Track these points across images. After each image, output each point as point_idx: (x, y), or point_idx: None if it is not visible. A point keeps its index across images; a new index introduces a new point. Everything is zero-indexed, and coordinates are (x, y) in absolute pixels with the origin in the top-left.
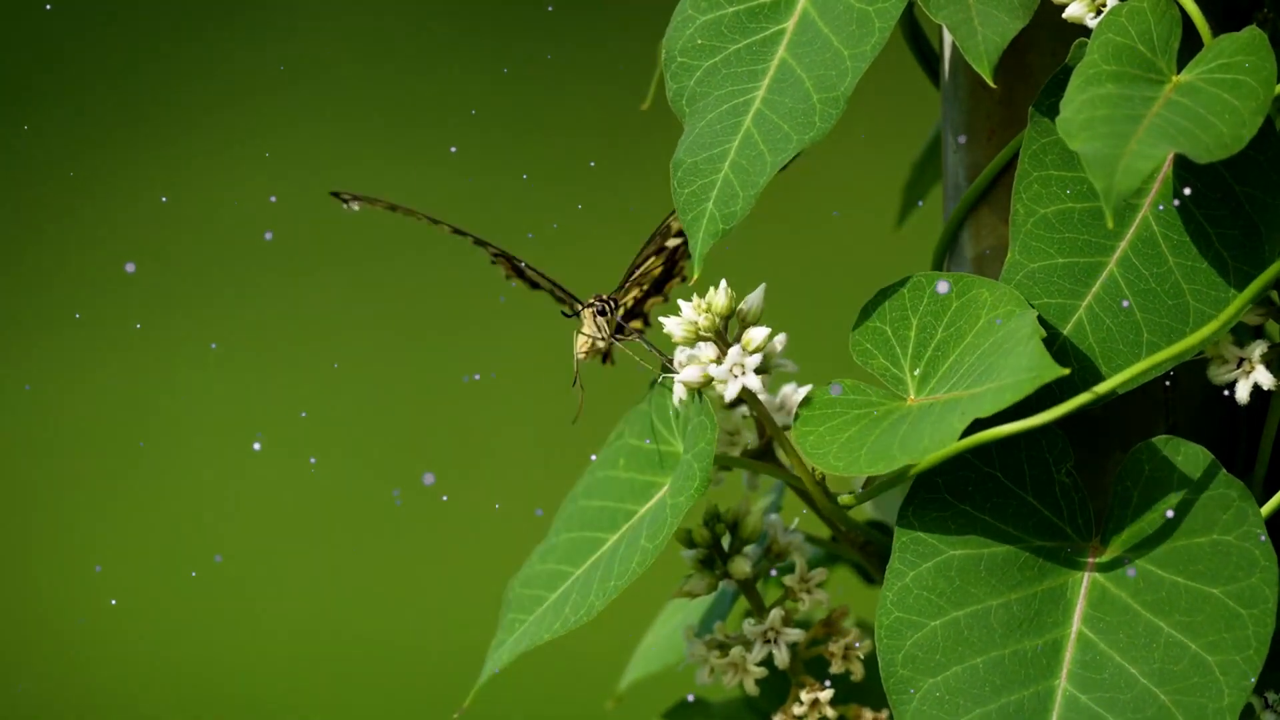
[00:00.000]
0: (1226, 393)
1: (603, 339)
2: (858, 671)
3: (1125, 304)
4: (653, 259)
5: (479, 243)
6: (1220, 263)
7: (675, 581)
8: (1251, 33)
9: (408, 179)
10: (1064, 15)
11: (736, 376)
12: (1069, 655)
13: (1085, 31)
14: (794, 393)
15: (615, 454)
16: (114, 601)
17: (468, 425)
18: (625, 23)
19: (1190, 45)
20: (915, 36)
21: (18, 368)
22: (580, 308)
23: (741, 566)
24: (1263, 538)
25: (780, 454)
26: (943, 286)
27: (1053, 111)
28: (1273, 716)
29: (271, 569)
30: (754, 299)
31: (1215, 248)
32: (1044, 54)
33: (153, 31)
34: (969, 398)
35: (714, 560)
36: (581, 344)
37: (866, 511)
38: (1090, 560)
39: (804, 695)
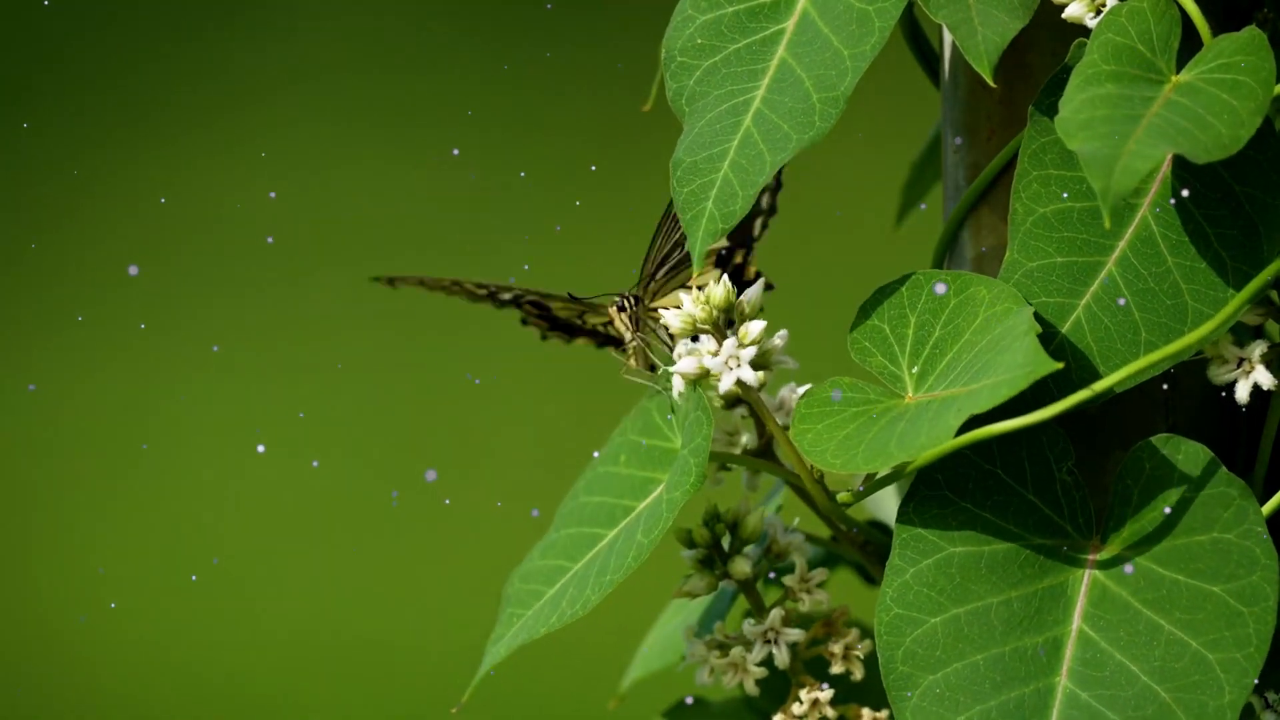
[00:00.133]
0: (1224, 394)
1: (630, 334)
2: (858, 671)
3: (1120, 301)
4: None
5: (514, 303)
6: (1219, 262)
7: (676, 581)
8: (1251, 33)
9: (409, 180)
10: (1064, 15)
11: (732, 369)
12: (1069, 653)
13: (1085, 31)
14: (792, 393)
15: (617, 450)
16: (113, 604)
17: (469, 426)
18: (625, 23)
19: (1190, 45)
20: (915, 36)
21: (20, 370)
22: (608, 306)
23: (741, 566)
24: (1264, 535)
25: (779, 453)
26: (940, 288)
27: (1052, 111)
28: (1273, 716)
29: (272, 569)
30: (752, 292)
31: (1214, 247)
32: (1044, 54)
33: (154, 33)
34: (965, 394)
35: (714, 560)
36: (630, 357)
37: (866, 511)
38: (1091, 558)
39: (804, 695)
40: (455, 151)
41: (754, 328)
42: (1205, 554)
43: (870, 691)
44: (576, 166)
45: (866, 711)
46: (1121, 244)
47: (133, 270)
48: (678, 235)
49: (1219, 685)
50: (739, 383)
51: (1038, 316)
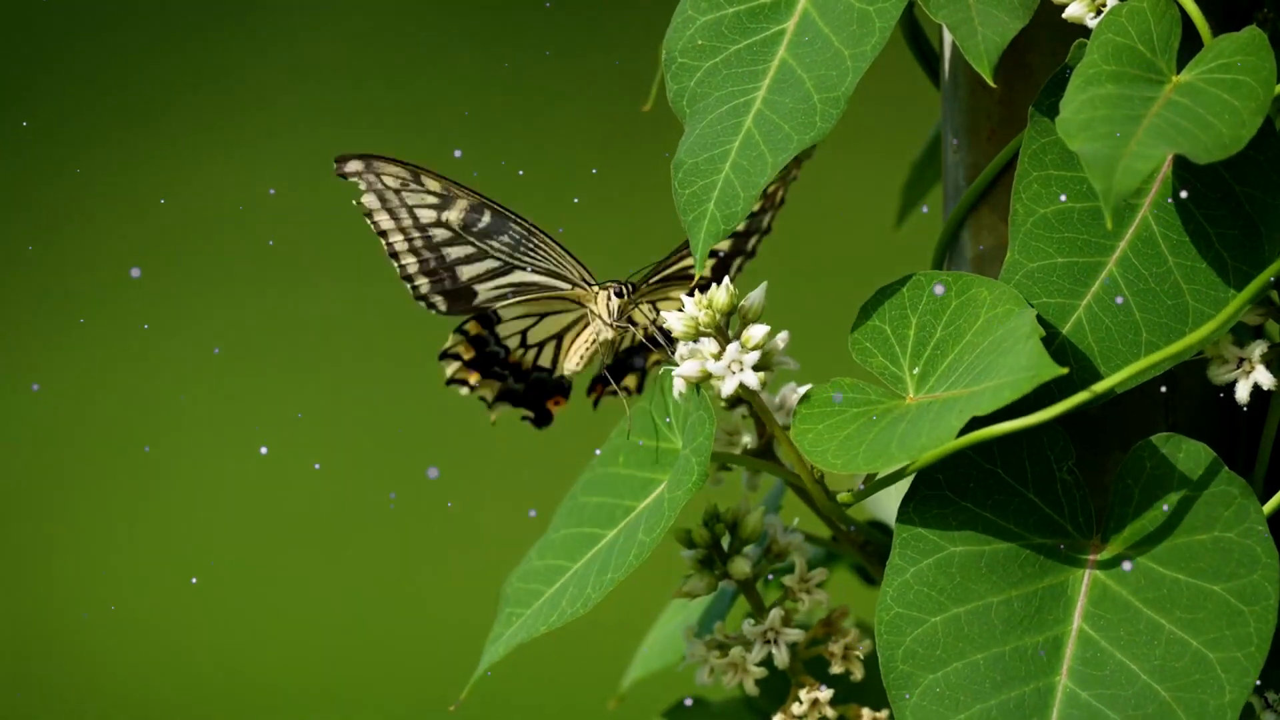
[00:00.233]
0: (1222, 395)
1: (610, 324)
2: (858, 671)
3: (1119, 300)
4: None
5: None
6: (1220, 263)
7: (676, 581)
8: (1251, 33)
9: None
10: (1064, 15)
11: (734, 372)
12: (1069, 652)
13: (1085, 31)
14: (793, 392)
15: (616, 451)
16: (114, 605)
17: (470, 426)
18: (626, 23)
19: (1190, 45)
20: (915, 36)
21: (22, 371)
22: (598, 285)
23: (741, 567)
24: (1265, 534)
25: (780, 452)
26: (939, 289)
27: (1052, 111)
28: (1273, 716)
29: (274, 570)
30: (755, 296)
31: (1215, 248)
32: (1044, 54)
33: (155, 36)
34: (967, 396)
35: (714, 560)
36: (586, 335)
37: (866, 511)
38: (1091, 558)
39: (804, 695)
40: (457, 154)
41: (757, 332)
42: (1206, 553)
43: (870, 691)
44: (577, 167)
45: (866, 711)
46: (1122, 244)
47: (135, 273)
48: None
49: (1219, 684)
50: (742, 386)
51: (1039, 318)
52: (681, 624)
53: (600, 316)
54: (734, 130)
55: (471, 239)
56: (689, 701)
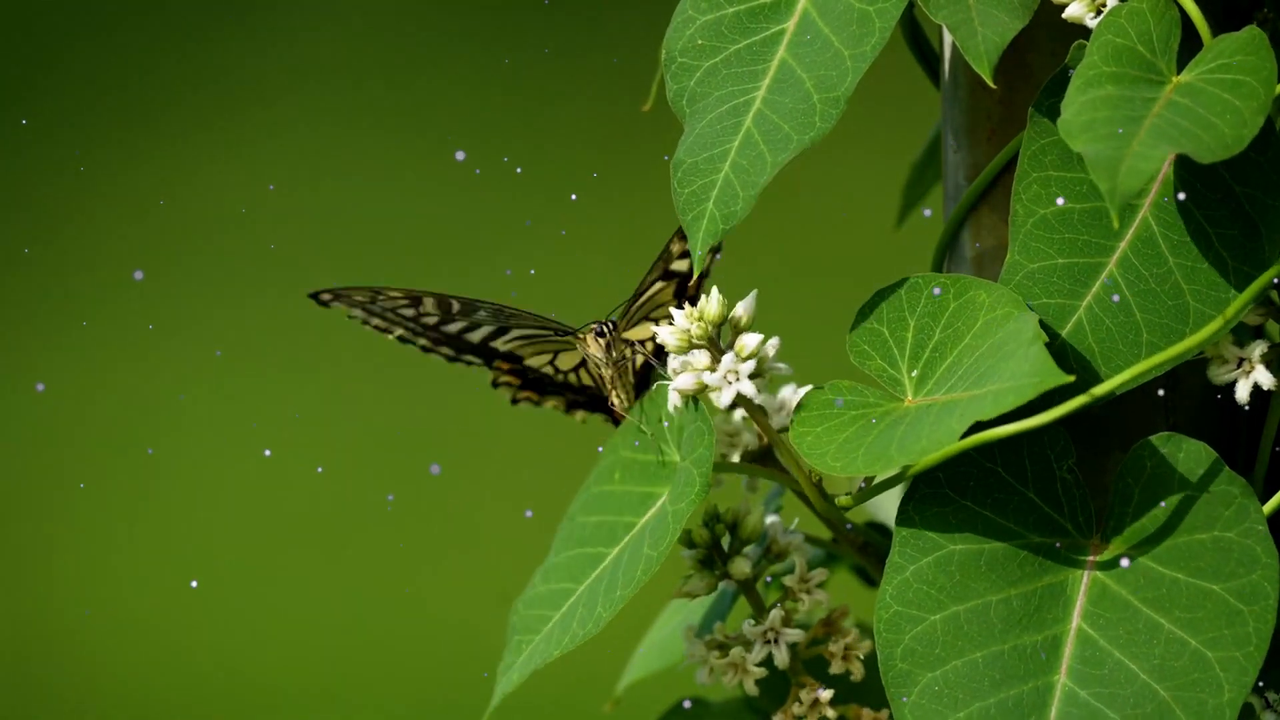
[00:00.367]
0: (1220, 396)
1: (605, 362)
2: (857, 672)
3: (1116, 298)
4: (660, 284)
5: (484, 358)
6: (1220, 263)
7: (675, 582)
8: (1251, 33)
9: (410, 182)
10: (1064, 15)
11: (731, 383)
12: (1068, 651)
13: (1085, 32)
14: (794, 394)
15: (610, 469)
16: (117, 605)
17: (471, 427)
18: (626, 22)
19: (1190, 45)
20: (915, 36)
21: (25, 372)
22: (578, 333)
23: (741, 567)
24: (1265, 534)
25: (779, 455)
26: (936, 292)
27: (1052, 112)
28: (1273, 716)
29: (274, 571)
30: (745, 305)
31: (1215, 248)
32: (1044, 54)
33: (155, 36)
34: (968, 399)
35: (714, 560)
36: (610, 390)
37: (866, 512)
38: (1091, 557)
39: (804, 695)
40: (460, 156)
41: (750, 341)
42: (1206, 552)
43: (870, 691)
44: (577, 167)
45: (866, 711)
46: (1122, 245)
47: (138, 275)
48: (655, 274)
49: (1218, 684)
50: (740, 396)
51: (1040, 320)
52: (681, 624)
53: (595, 358)
54: (734, 130)
55: (456, 318)
56: (688, 704)
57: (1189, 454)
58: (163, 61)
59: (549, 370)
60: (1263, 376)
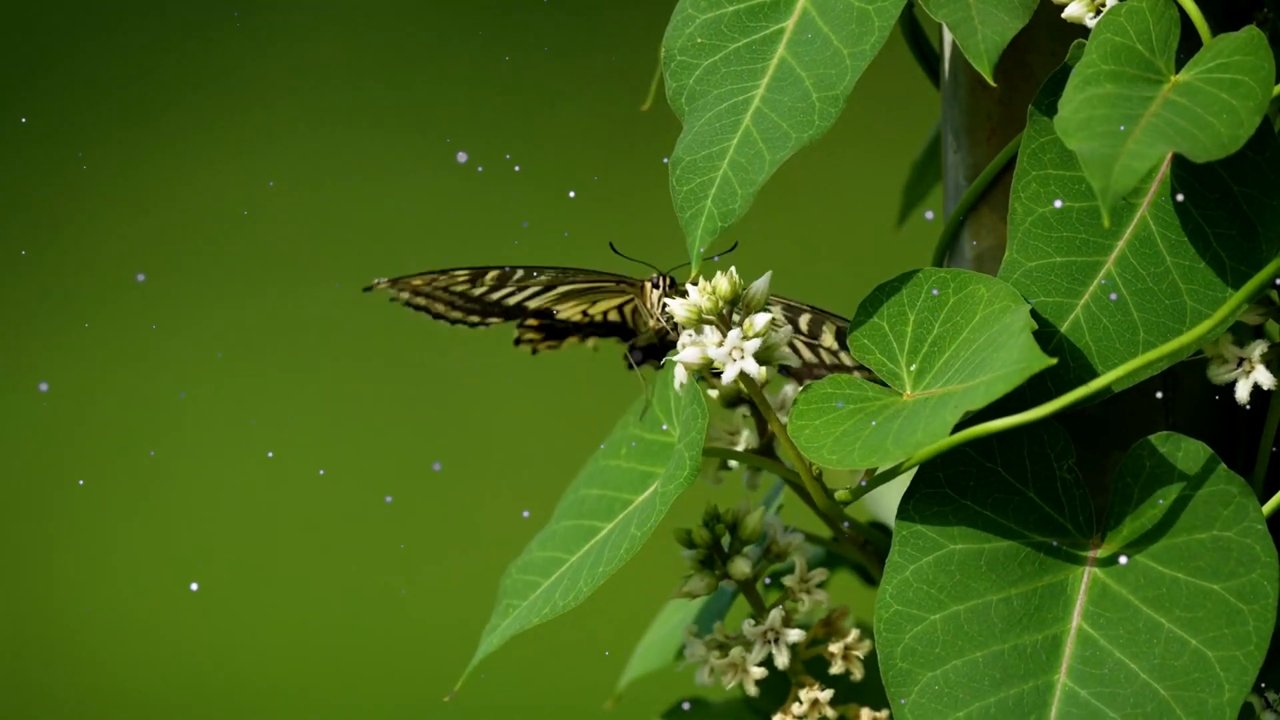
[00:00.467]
0: (1220, 396)
1: (654, 315)
2: (857, 672)
3: (1114, 297)
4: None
5: (517, 311)
6: (1218, 262)
7: (674, 581)
8: (1250, 32)
9: (411, 182)
10: (1064, 15)
11: (735, 360)
12: (1069, 650)
13: (1085, 31)
14: (794, 391)
15: (618, 443)
16: (118, 605)
17: (470, 426)
18: (625, 21)
19: (1189, 45)
20: (915, 36)
21: (27, 373)
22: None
23: (741, 567)
24: (1264, 533)
25: (780, 451)
26: (935, 293)
27: (1051, 111)
28: (1273, 716)
29: (275, 571)
30: (759, 285)
31: (1213, 247)
32: (1044, 54)
33: (155, 37)
34: (962, 391)
35: (714, 560)
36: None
37: (866, 511)
38: (1091, 556)
39: (804, 695)
40: (462, 157)
41: (760, 319)
42: (1205, 552)
43: (870, 691)
44: (577, 166)
45: (866, 711)
46: (1120, 244)
47: (140, 277)
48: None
49: (1218, 683)
50: (742, 375)
51: (1036, 315)
52: (680, 624)
53: (648, 308)
54: (732, 128)
55: (511, 286)
56: (687, 705)
57: (1188, 453)
58: (163, 61)
59: (579, 319)
60: (1263, 376)
